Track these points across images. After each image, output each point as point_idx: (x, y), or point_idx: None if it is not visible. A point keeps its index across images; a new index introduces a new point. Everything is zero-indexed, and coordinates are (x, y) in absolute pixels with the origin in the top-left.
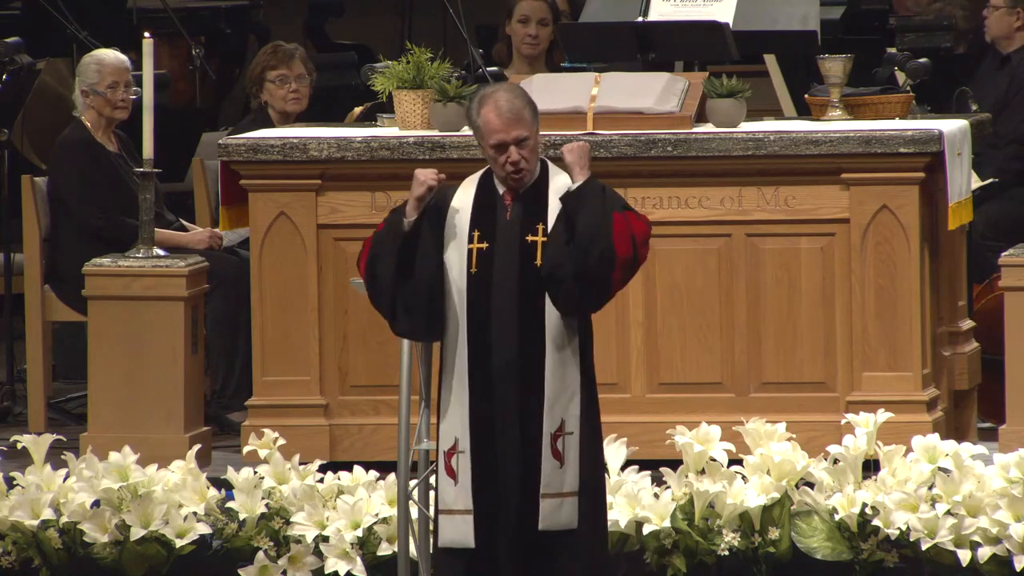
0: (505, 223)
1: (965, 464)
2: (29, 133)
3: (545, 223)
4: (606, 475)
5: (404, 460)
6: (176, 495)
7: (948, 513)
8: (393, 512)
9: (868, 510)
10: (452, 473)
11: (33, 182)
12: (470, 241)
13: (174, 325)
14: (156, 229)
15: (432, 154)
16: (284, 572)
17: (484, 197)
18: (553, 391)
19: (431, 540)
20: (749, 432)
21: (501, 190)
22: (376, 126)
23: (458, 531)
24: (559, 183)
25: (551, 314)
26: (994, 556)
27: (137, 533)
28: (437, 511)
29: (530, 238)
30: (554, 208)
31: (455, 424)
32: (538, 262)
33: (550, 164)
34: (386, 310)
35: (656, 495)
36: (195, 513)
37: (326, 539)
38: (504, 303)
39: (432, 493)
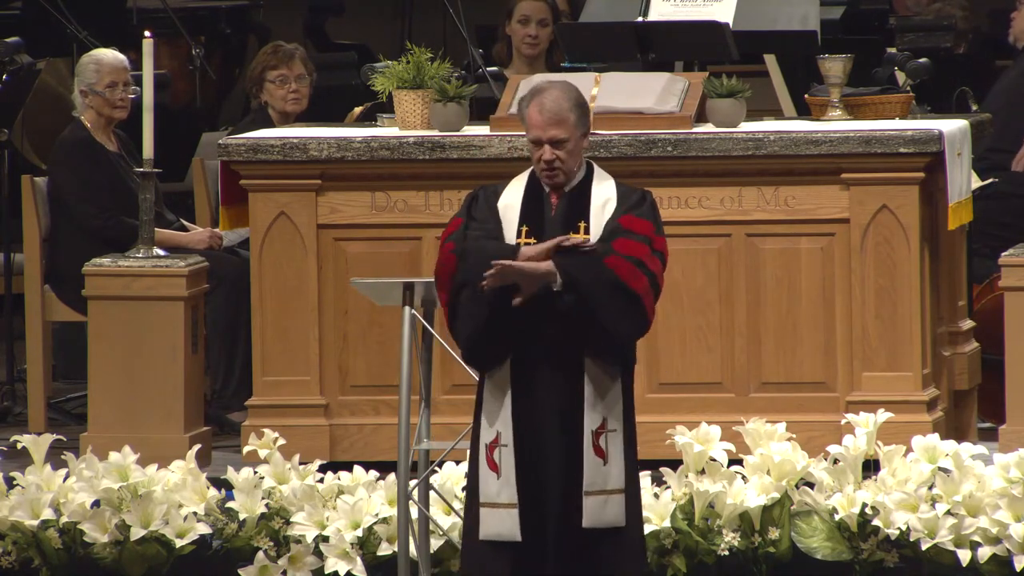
0: (551, 219)
1: (965, 464)
2: (29, 133)
3: (587, 220)
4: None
5: (404, 460)
6: (176, 495)
7: (948, 513)
8: (393, 512)
9: (868, 510)
10: (494, 466)
11: (33, 182)
12: (519, 236)
13: (174, 325)
14: (156, 229)
15: (432, 154)
16: (284, 572)
17: (532, 194)
18: (592, 388)
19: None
20: (749, 432)
21: (547, 189)
22: (376, 126)
23: (503, 524)
24: (603, 184)
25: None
26: (994, 556)
27: (137, 533)
28: (476, 503)
29: (573, 235)
30: (596, 208)
31: (497, 417)
32: None
33: (596, 167)
34: (468, 353)
35: (656, 495)
36: (195, 513)
37: (326, 539)
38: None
39: (432, 493)
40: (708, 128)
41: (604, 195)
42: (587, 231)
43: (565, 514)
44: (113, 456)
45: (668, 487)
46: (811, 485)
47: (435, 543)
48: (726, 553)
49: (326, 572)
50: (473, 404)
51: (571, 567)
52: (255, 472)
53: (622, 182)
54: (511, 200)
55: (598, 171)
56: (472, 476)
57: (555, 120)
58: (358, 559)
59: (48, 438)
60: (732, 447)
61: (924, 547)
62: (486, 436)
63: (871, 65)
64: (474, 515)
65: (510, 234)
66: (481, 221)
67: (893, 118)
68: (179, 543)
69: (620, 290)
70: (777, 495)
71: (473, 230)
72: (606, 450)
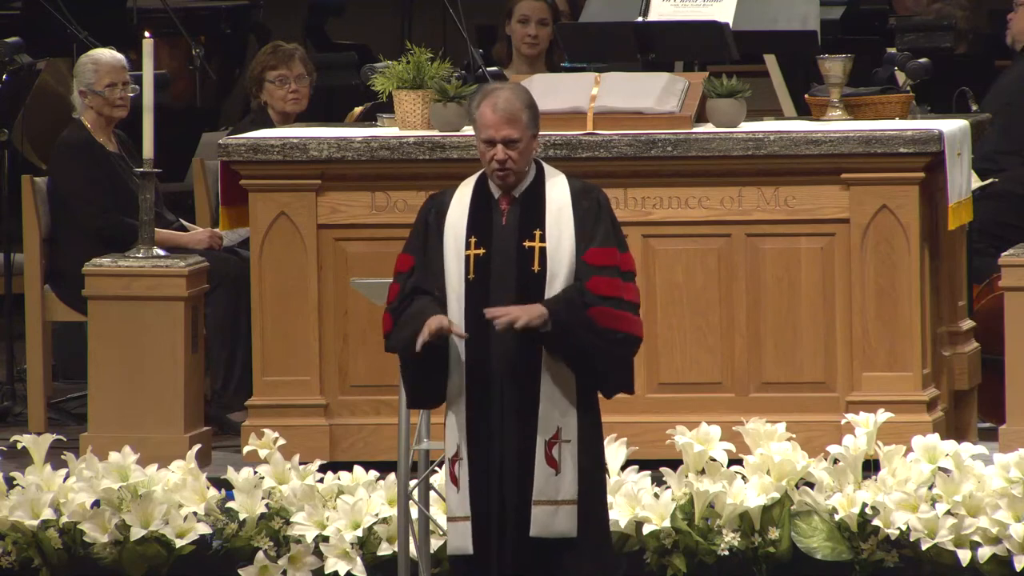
0: (501, 228)
1: (965, 464)
2: (29, 133)
3: (542, 228)
4: (607, 477)
5: (404, 460)
6: (176, 495)
7: (948, 513)
8: (393, 512)
9: (868, 510)
10: (455, 480)
11: (33, 182)
12: (467, 247)
13: (174, 325)
14: (156, 229)
15: (432, 154)
16: (284, 572)
17: (480, 201)
18: (547, 398)
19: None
20: (749, 432)
21: (496, 194)
22: (376, 126)
23: (460, 538)
24: (556, 186)
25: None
26: (994, 556)
27: (137, 533)
28: (448, 519)
29: (527, 244)
30: (552, 211)
31: (456, 431)
32: (535, 267)
33: (545, 165)
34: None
35: (656, 495)
36: (195, 513)
37: (326, 539)
38: (502, 307)
39: (432, 493)
40: (708, 128)
41: (558, 201)
42: (543, 239)
43: (518, 525)
44: (113, 456)
45: (668, 487)
46: (811, 485)
47: (435, 543)
48: (726, 553)
49: (326, 572)
50: None
51: None
52: (255, 472)
53: (572, 177)
54: (459, 210)
55: (548, 170)
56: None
57: (507, 119)
58: (358, 559)
59: (48, 438)
60: (732, 447)
61: (924, 547)
62: (448, 450)
63: (871, 65)
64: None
65: (458, 247)
66: (421, 264)
67: (893, 118)
68: (179, 543)
69: (605, 337)
70: (777, 495)
71: (413, 279)
72: (559, 460)
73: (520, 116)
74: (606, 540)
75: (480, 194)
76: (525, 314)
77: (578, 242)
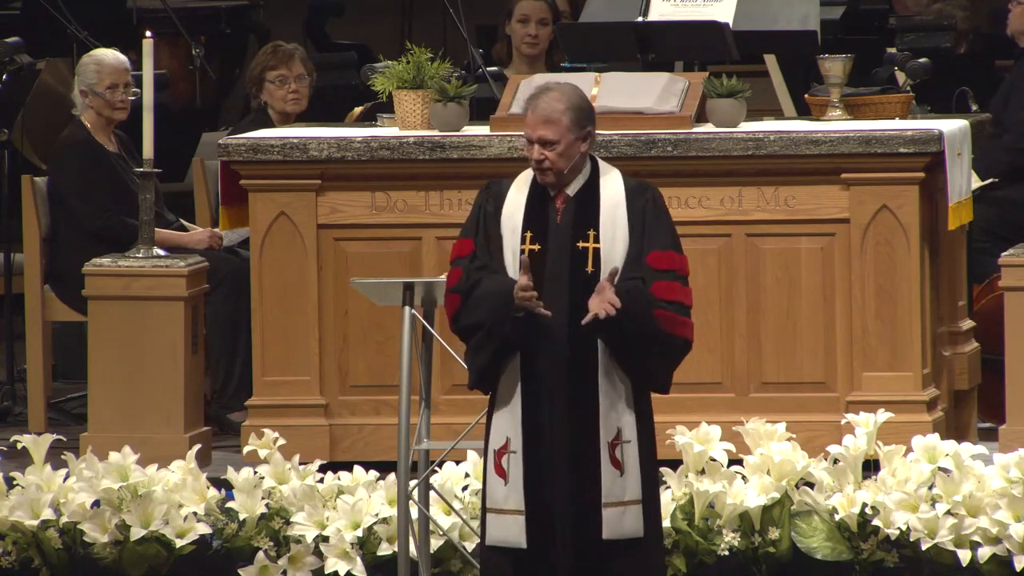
0: (556, 227)
1: (965, 464)
2: (29, 133)
3: (596, 228)
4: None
5: (404, 460)
6: (176, 495)
7: (948, 513)
8: (393, 512)
9: (868, 510)
10: (502, 472)
11: (33, 182)
12: (523, 242)
13: (174, 325)
14: (156, 229)
15: (432, 154)
16: (284, 572)
17: (536, 197)
18: (608, 399)
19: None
20: (749, 432)
21: (552, 192)
22: (376, 126)
23: (508, 531)
24: (609, 183)
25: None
26: (994, 556)
27: (137, 533)
28: (484, 509)
29: (581, 244)
30: (606, 210)
31: (507, 424)
32: (589, 268)
33: (600, 162)
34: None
35: None
36: (195, 513)
37: (326, 539)
38: (554, 308)
39: (432, 493)
40: (708, 128)
41: (612, 199)
42: (596, 239)
43: (576, 524)
44: (113, 456)
45: (668, 487)
46: (811, 485)
47: (435, 543)
48: (726, 553)
49: (326, 572)
50: (476, 405)
51: None
52: (255, 472)
53: (627, 176)
54: (515, 204)
55: (603, 166)
56: (483, 481)
57: (544, 120)
58: (358, 559)
59: (48, 438)
60: (732, 447)
61: (924, 547)
62: (495, 442)
63: (871, 65)
64: (482, 520)
65: (514, 242)
66: (483, 247)
67: (893, 118)
68: (179, 543)
69: (667, 341)
70: (777, 495)
71: (477, 262)
72: (622, 461)
73: (559, 119)
74: (662, 543)
75: (536, 190)
76: (610, 303)
77: (636, 242)
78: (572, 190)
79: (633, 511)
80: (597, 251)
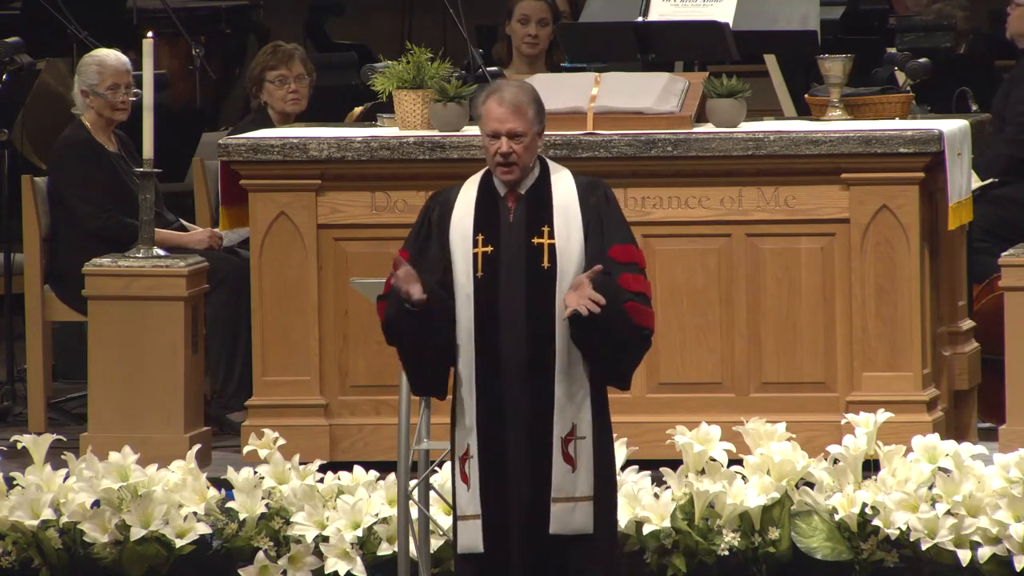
0: (508, 225)
1: (965, 464)
2: (29, 133)
3: (551, 224)
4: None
5: (404, 460)
6: (176, 495)
7: (948, 513)
8: (393, 512)
9: (868, 510)
10: (465, 479)
11: (33, 182)
12: (475, 245)
13: (174, 325)
14: (156, 229)
15: (432, 154)
16: (284, 572)
17: (485, 199)
18: (563, 395)
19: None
20: (749, 432)
21: (502, 191)
22: (376, 126)
23: (470, 537)
24: (561, 181)
25: (560, 317)
26: (994, 556)
27: (137, 533)
28: (454, 518)
29: (536, 240)
30: (559, 207)
31: (466, 429)
32: (545, 264)
33: (549, 162)
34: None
35: (656, 495)
36: (195, 513)
37: (326, 539)
38: (512, 306)
39: (432, 493)
40: (708, 128)
41: (565, 197)
42: (551, 235)
43: (530, 522)
44: (113, 456)
45: (668, 487)
46: (811, 485)
47: (435, 543)
48: (726, 553)
49: (326, 572)
50: None
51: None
52: (255, 472)
53: (576, 173)
54: (465, 208)
55: (553, 166)
56: (452, 490)
57: (513, 112)
58: (358, 559)
59: (48, 438)
60: (732, 447)
61: (924, 547)
62: (459, 449)
63: (871, 65)
64: (453, 530)
65: (465, 246)
66: (417, 259)
67: (893, 118)
68: (179, 543)
69: (636, 332)
70: (777, 495)
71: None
72: (575, 457)
73: (526, 110)
74: (616, 538)
75: (485, 191)
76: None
77: (592, 238)
78: (523, 188)
79: (583, 507)
80: (552, 247)
